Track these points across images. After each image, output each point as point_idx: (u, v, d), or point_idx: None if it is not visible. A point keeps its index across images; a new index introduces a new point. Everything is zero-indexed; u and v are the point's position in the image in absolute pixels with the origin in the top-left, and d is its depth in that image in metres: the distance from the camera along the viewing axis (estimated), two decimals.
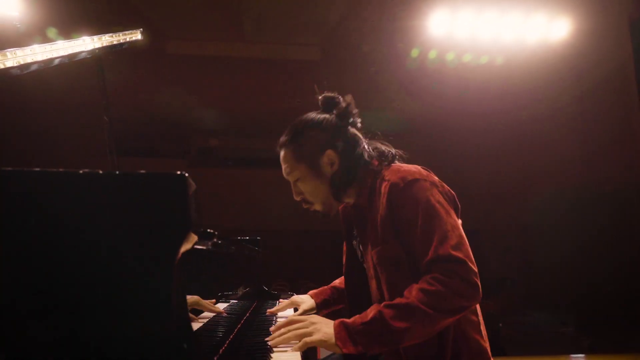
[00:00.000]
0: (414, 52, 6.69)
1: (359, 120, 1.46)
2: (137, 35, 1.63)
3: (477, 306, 1.34)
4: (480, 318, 1.36)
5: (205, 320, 1.27)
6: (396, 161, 1.41)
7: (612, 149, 8.25)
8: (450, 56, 6.71)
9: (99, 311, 0.58)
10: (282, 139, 1.43)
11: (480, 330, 1.33)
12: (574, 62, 6.67)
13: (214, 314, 1.38)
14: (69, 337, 0.58)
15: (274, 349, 1.12)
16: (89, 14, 5.83)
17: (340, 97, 1.46)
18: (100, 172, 0.59)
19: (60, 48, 1.14)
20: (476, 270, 1.18)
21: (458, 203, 1.33)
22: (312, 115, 1.45)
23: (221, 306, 1.64)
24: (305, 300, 1.67)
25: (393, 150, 1.43)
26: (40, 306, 0.58)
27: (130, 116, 9.84)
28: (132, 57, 6.84)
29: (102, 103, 1.49)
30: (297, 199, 1.44)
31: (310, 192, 1.40)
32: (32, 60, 1.02)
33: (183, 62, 7.49)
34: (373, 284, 1.36)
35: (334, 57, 7.16)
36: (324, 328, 1.13)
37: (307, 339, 1.10)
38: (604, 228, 8.07)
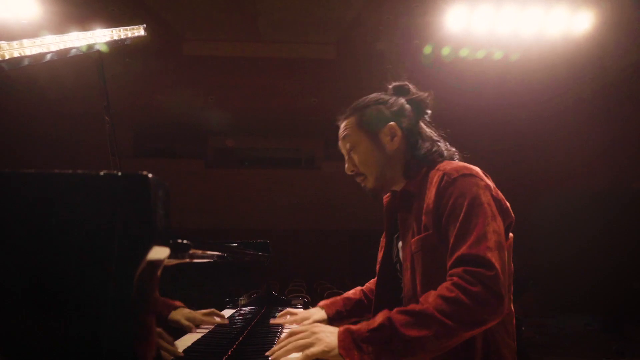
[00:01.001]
0: (428, 49, 6.57)
1: (429, 112, 1.42)
2: (140, 31, 1.55)
3: (514, 330, 1.27)
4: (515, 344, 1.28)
5: (206, 330, 1.21)
6: (455, 159, 1.36)
7: (637, 145, 8.00)
8: (467, 52, 6.57)
9: (46, 314, 0.55)
10: (346, 110, 1.41)
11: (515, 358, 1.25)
12: (597, 56, 6.47)
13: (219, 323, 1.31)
14: None
15: None
16: (105, 16, 5.87)
17: (410, 85, 1.43)
18: (56, 171, 0.54)
19: (51, 42, 1.08)
20: (506, 282, 1.07)
21: (512, 215, 1.25)
22: (381, 94, 1.42)
23: (228, 312, 1.58)
24: (315, 312, 1.55)
25: (453, 149, 1.39)
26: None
27: (147, 117, 9.95)
28: (149, 59, 6.88)
29: (103, 104, 1.43)
30: (349, 172, 1.39)
31: (363, 162, 1.36)
32: (19, 55, 0.96)
33: (199, 62, 7.49)
34: (407, 275, 1.28)
35: (349, 55, 7.08)
36: (327, 337, 1.04)
37: (308, 351, 1.02)
38: (632, 227, 7.83)
